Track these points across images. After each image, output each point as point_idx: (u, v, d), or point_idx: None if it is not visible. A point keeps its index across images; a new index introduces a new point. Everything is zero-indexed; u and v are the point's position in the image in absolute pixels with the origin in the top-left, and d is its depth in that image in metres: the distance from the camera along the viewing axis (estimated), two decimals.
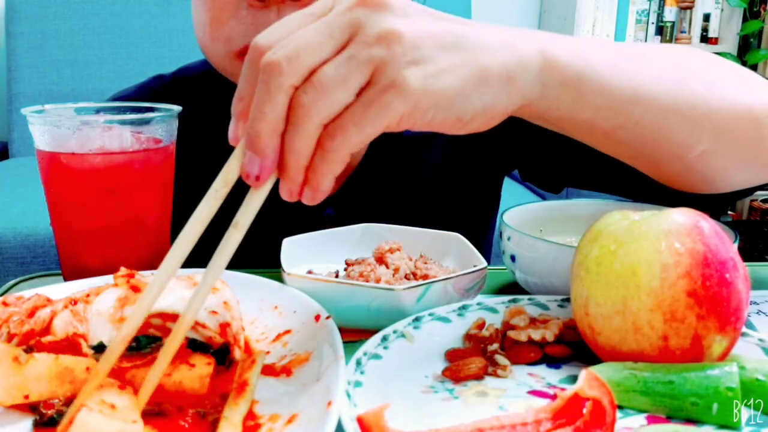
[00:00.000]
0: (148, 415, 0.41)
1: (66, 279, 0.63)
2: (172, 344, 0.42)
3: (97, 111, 0.66)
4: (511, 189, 0.96)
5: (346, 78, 0.40)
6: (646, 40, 3.21)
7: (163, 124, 0.63)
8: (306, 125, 0.40)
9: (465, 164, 0.85)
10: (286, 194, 0.43)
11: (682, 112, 0.56)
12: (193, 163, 0.71)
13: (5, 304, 0.49)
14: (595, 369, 0.44)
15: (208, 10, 0.68)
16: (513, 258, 0.62)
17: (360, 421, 0.38)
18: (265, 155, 0.41)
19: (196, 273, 0.54)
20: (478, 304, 0.54)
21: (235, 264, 0.64)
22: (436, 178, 0.85)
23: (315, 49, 0.40)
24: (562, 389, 0.46)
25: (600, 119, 0.54)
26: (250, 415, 0.42)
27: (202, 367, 0.44)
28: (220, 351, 0.47)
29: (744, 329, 0.48)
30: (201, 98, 0.81)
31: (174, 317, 0.47)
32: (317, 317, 0.50)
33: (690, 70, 0.58)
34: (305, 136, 0.40)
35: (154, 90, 0.87)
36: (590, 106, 0.53)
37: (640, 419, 0.43)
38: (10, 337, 0.47)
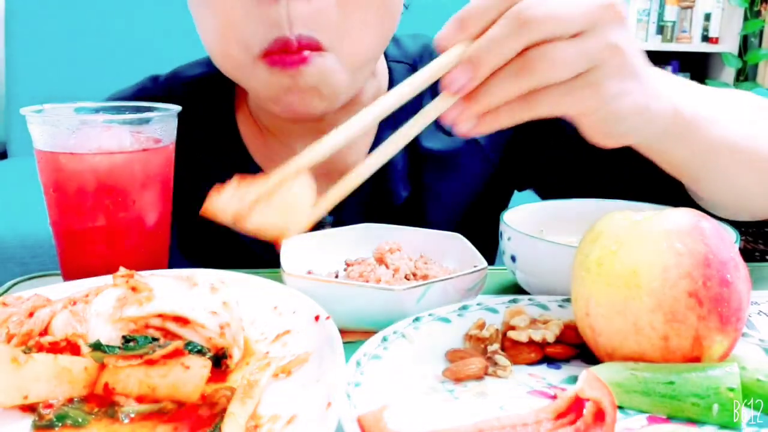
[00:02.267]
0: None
1: (65, 279, 0.63)
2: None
3: (97, 111, 0.66)
4: None
5: (574, 63, 0.47)
6: (647, 40, 3.21)
7: (162, 124, 0.63)
8: (522, 83, 0.47)
9: (483, 188, 0.85)
10: (452, 116, 0.48)
11: (754, 165, 0.63)
12: (187, 165, 0.70)
13: (4, 304, 0.49)
14: (595, 369, 0.44)
15: (215, 16, 0.65)
16: (513, 258, 0.62)
17: (360, 421, 0.38)
18: (477, 79, 0.47)
19: (195, 273, 0.54)
20: (479, 304, 0.54)
21: (234, 264, 0.64)
22: (451, 195, 0.84)
23: (566, 25, 0.46)
24: (563, 390, 0.46)
25: (682, 167, 0.62)
26: (251, 416, 0.42)
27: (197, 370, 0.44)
28: (217, 356, 0.47)
29: (745, 329, 0.48)
30: (196, 99, 0.81)
31: (173, 318, 0.47)
32: (317, 317, 0.49)
33: (759, 125, 0.64)
34: (515, 89, 0.47)
35: (149, 91, 0.86)
36: (679, 159, 0.60)
37: (641, 420, 0.43)
38: (9, 338, 0.47)
